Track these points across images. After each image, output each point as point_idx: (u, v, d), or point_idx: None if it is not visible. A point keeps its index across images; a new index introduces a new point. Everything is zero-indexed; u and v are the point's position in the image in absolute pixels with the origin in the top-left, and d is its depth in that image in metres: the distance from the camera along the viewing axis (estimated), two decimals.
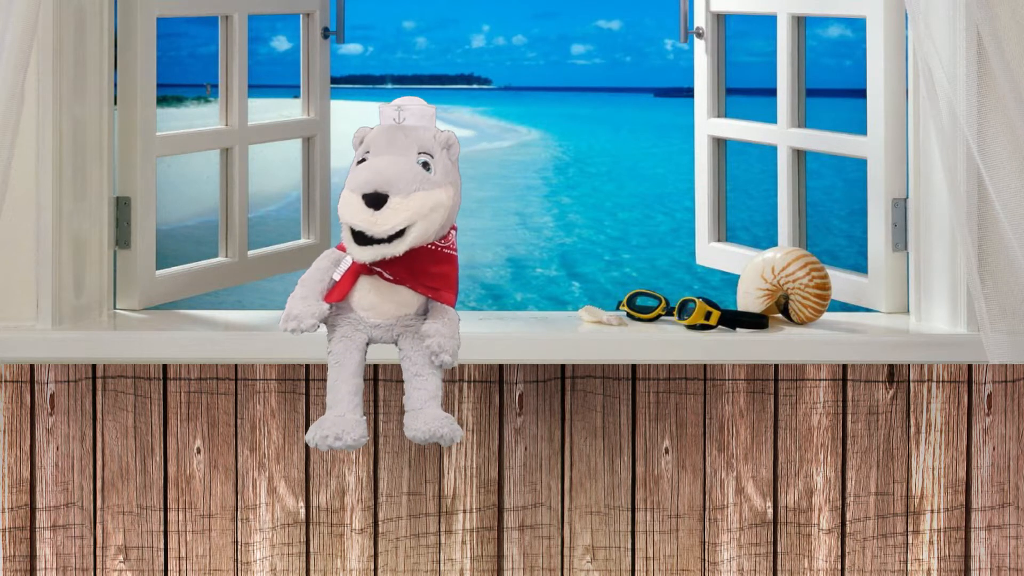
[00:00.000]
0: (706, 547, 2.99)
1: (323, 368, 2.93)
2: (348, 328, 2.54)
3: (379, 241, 2.44)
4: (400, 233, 2.44)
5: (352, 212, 2.44)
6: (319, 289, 2.52)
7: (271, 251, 3.41)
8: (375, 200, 2.42)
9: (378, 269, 2.50)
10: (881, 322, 3.02)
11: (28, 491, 2.98)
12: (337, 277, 2.52)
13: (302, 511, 2.98)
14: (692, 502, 2.99)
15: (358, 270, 2.52)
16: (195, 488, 2.98)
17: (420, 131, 2.51)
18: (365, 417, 2.54)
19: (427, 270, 2.51)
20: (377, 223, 2.43)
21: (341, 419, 2.50)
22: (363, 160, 2.48)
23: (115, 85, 3.07)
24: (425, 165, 2.48)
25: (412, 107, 2.52)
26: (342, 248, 2.53)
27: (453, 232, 2.55)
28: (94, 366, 2.97)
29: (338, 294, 2.52)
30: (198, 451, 2.98)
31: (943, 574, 2.98)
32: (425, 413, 2.50)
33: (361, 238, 2.44)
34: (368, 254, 2.45)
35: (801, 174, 3.26)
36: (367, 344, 2.55)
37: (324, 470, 2.98)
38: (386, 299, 2.53)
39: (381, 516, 2.98)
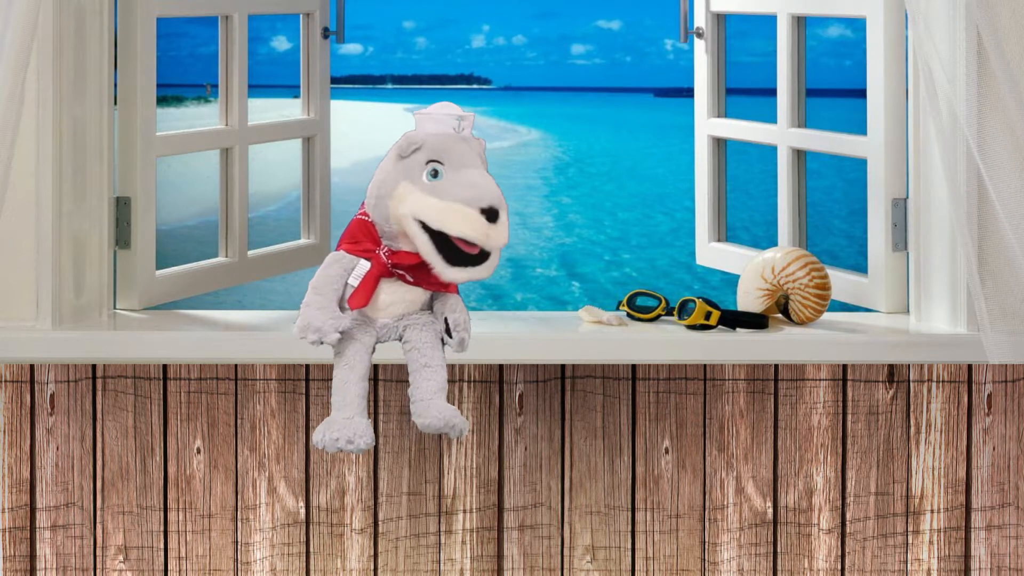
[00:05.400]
0: (706, 547, 2.99)
1: (323, 368, 2.93)
2: (358, 330, 2.52)
3: (470, 263, 2.42)
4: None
5: (472, 225, 2.41)
6: (335, 297, 2.49)
7: (271, 251, 3.41)
8: (493, 215, 2.41)
9: (400, 272, 2.50)
10: (881, 322, 3.02)
11: (28, 491, 2.98)
12: (354, 283, 2.50)
13: (302, 511, 2.98)
14: (692, 502, 2.99)
15: (379, 274, 2.50)
16: (195, 488, 2.98)
17: (476, 143, 2.50)
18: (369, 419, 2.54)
19: None
20: (492, 237, 2.42)
21: (351, 422, 2.48)
22: (435, 170, 2.45)
23: (115, 85, 3.07)
24: None
25: (470, 117, 2.51)
26: (352, 251, 2.50)
27: None
28: (94, 366, 2.97)
29: (363, 300, 2.49)
30: (198, 451, 2.98)
31: (943, 574, 2.98)
32: (435, 404, 2.49)
33: (459, 257, 2.42)
34: (463, 275, 2.44)
35: (801, 174, 3.26)
36: (375, 345, 2.54)
37: (324, 470, 2.98)
38: (399, 299, 2.53)
39: (381, 516, 2.98)
